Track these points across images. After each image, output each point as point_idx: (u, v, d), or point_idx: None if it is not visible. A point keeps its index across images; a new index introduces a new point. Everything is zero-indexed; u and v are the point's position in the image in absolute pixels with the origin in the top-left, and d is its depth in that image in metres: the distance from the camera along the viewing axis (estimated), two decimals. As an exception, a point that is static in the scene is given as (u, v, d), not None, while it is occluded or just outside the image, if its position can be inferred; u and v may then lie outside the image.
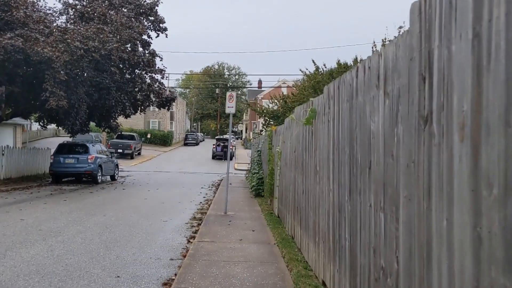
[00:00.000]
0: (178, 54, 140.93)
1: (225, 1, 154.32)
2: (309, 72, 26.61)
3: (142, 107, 21.89)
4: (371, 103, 3.28)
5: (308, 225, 6.18)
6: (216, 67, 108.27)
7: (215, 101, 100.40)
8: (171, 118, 70.46)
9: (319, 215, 5.34)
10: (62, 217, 10.84)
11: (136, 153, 43.11)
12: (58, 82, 17.12)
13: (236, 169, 34.79)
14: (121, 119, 64.08)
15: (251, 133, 64.76)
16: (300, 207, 6.96)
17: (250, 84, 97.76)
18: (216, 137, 49.27)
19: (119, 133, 45.81)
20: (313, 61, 25.95)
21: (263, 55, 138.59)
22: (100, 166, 21.33)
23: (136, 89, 20.18)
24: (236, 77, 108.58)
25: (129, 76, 20.29)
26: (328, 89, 4.91)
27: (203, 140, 75.58)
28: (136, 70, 20.72)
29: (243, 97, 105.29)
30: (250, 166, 25.12)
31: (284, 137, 9.63)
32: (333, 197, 4.59)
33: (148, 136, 59.78)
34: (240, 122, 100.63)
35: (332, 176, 4.64)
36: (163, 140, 60.95)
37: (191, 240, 8.27)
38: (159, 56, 21.72)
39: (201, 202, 14.61)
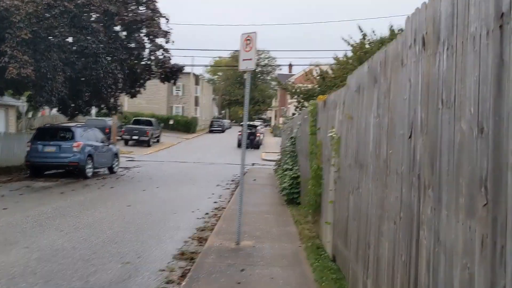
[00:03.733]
0: (204, 40, 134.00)
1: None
2: (354, 41, 21.20)
3: (142, 81, 17.04)
4: None
5: None
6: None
7: (243, 87, 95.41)
8: (196, 103, 66.11)
9: None
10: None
11: (154, 140, 38.83)
12: (20, 43, 12.56)
13: (263, 159, 30.28)
14: (142, 103, 60.24)
15: (281, 119, 59.79)
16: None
17: (280, 69, 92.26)
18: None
19: (135, 118, 41.90)
20: (359, 28, 20.66)
21: (295, 36, 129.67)
22: (90, 156, 16.79)
23: (133, 57, 15.32)
24: (266, 61, 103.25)
25: (124, 38, 15.46)
26: None
27: (230, 127, 71.23)
28: (134, 34, 15.88)
29: (272, 82, 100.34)
30: (280, 157, 20.26)
31: (352, 107, 4.69)
32: None
33: (171, 122, 55.59)
34: (269, 108, 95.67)
35: None
36: (186, 126, 56.70)
37: None
38: (164, 17, 16.89)
39: (207, 214, 9.79)
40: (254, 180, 17.33)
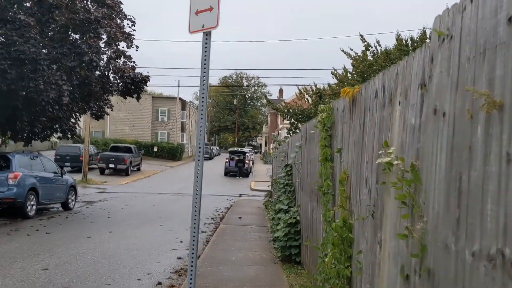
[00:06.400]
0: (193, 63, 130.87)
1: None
2: (355, 53, 18.23)
3: (97, 95, 13.43)
4: None
5: None
6: (234, 77, 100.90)
7: (233, 113, 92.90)
8: (182, 129, 62.76)
9: None
10: None
11: (134, 169, 35.41)
12: None
13: (253, 189, 27.06)
14: (125, 129, 56.61)
15: (271, 145, 56.66)
16: None
17: (270, 95, 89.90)
18: (230, 149, 41.00)
19: (113, 144, 38.22)
20: (361, 37, 17.79)
21: (284, 59, 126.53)
22: (33, 189, 13.31)
23: (84, 65, 11.86)
24: (255, 87, 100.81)
25: (77, 43, 12.08)
26: None
27: (219, 154, 68.47)
28: (89, 35, 12.50)
29: (262, 108, 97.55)
30: (272, 189, 16.95)
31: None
32: None
33: (155, 149, 52.05)
34: (259, 134, 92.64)
35: None
36: (171, 153, 53.22)
37: None
38: (130, 19, 13.69)
39: (159, 284, 6.34)
40: (240, 218, 13.95)
